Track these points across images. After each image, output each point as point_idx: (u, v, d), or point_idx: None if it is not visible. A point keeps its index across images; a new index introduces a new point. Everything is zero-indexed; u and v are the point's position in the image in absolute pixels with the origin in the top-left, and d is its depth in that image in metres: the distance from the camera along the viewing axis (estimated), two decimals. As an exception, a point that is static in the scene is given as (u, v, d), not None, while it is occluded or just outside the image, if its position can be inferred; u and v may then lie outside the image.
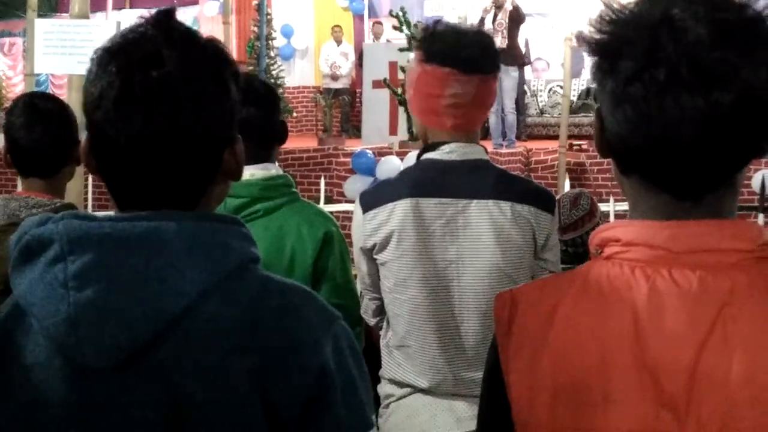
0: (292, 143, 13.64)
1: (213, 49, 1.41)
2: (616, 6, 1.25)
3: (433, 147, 2.60)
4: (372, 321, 2.82)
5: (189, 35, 1.39)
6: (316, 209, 2.88)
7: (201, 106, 1.35)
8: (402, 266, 2.56)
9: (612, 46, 1.23)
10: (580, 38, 1.27)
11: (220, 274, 1.33)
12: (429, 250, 2.53)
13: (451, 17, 14.32)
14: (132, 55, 1.34)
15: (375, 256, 2.63)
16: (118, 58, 1.34)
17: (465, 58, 2.52)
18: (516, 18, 12.56)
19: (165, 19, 1.37)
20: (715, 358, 1.17)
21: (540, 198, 2.58)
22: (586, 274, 1.29)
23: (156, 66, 1.32)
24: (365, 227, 2.61)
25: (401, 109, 11.02)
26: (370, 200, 2.63)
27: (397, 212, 2.54)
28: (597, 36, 1.25)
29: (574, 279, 1.31)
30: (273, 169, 2.75)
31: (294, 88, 17.23)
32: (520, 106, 14.13)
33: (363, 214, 2.62)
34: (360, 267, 2.72)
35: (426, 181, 2.57)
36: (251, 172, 2.67)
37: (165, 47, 1.34)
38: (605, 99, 1.25)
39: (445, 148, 2.57)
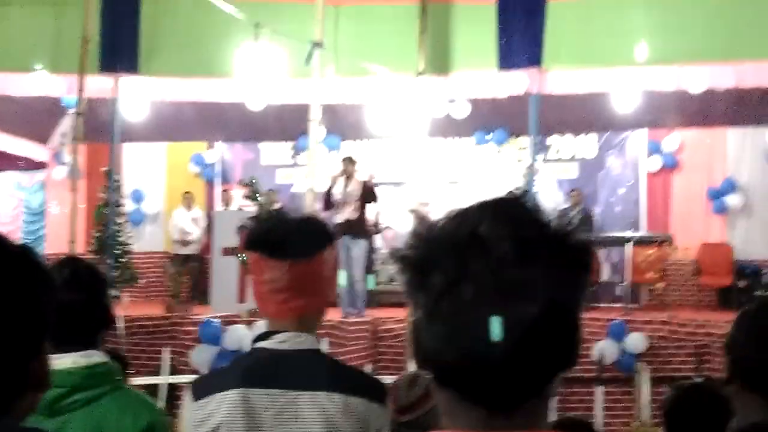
0: (138, 310, 13.41)
1: (17, 260, 1.36)
2: (427, 223, 1.27)
3: (266, 335, 2.57)
4: None
5: None
6: (141, 397, 2.77)
7: None
8: None
9: (422, 263, 1.25)
10: (394, 254, 1.29)
11: None
12: None
13: (302, 186, 14.53)
14: None
15: None
16: None
17: (272, 243, 2.53)
18: (368, 195, 12.77)
19: None
20: None
21: (372, 390, 2.55)
22: None
23: None
24: (194, 417, 2.53)
25: (250, 270, 10.95)
26: (200, 389, 2.56)
27: (225, 403, 2.47)
28: (409, 252, 1.26)
29: None
30: (96, 356, 2.63)
31: (143, 253, 16.99)
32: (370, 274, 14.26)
33: (192, 403, 2.54)
34: None
35: (256, 371, 2.52)
36: (73, 360, 2.56)
37: None
38: (419, 312, 1.26)
39: (278, 337, 2.54)
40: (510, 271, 1.19)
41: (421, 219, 1.29)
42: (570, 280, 1.23)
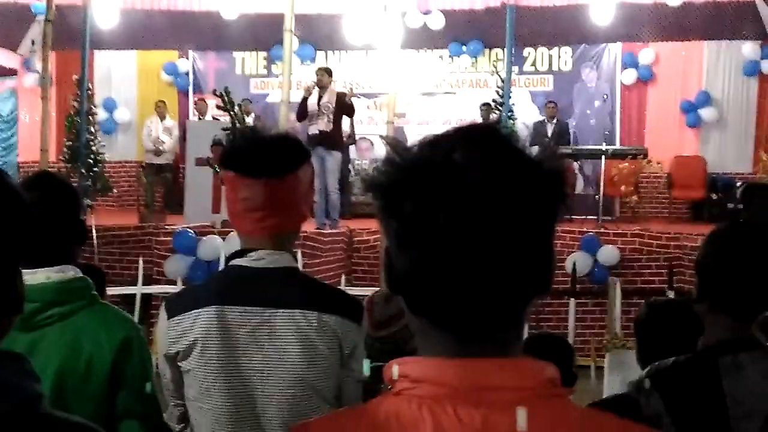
0: (112, 220, 13.40)
1: None
2: (400, 148, 1.26)
3: (242, 253, 2.57)
4: (176, 428, 2.72)
5: None
6: (116, 312, 2.77)
7: None
8: (206, 375, 2.48)
9: (395, 189, 1.24)
10: (366, 181, 1.28)
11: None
12: (233, 359, 2.47)
13: (276, 97, 14.43)
14: None
15: (179, 364, 2.54)
16: None
17: (247, 161, 2.53)
18: (344, 107, 12.58)
19: None
20: None
21: (347, 308, 2.56)
22: (375, 410, 1.28)
23: None
24: (169, 334, 2.54)
25: (224, 188, 10.92)
26: (175, 306, 2.57)
27: (201, 320, 2.48)
28: (382, 178, 1.25)
29: (363, 415, 1.30)
30: (70, 271, 2.62)
31: (116, 162, 16.89)
32: (345, 185, 14.26)
33: (167, 320, 2.56)
34: (163, 373, 2.63)
35: (232, 289, 2.52)
36: (47, 275, 2.55)
37: None
38: (391, 239, 1.25)
39: (253, 254, 2.54)
40: (483, 198, 1.18)
41: (394, 145, 1.27)
42: (544, 206, 1.23)
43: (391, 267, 1.28)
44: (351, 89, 13.38)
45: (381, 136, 11.38)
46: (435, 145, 1.25)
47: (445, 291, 1.21)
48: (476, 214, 1.18)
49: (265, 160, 2.52)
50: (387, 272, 1.29)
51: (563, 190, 1.25)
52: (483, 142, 1.24)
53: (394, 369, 1.28)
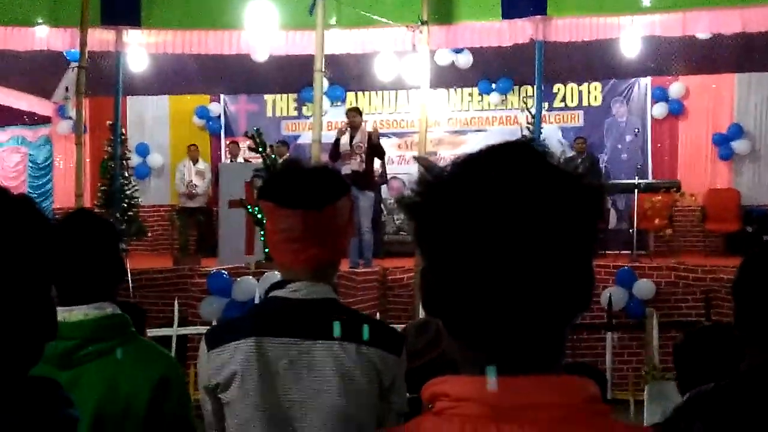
0: (146, 263, 13.45)
1: (18, 208, 1.35)
2: (433, 168, 1.24)
3: (280, 285, 2.56)
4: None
5: None
6: (155, 349, 2.76)
7: None
8: (245, 407, 2.48)
9: (430, 210, 1.21)
10: (401, 202, 1.25)
11: None
12: (272, 390, 2.46)
13: (307, 138, 14.51)
14: None
15: (219, 396, 2.54)
16: None
17: (286, 192, 2.54)
18: (375, 148, 12.65)
19: None
20: None
21: (387, 340, 2.55)
22: (415, 431, 1.25)
23: None
24: (209, 366, 2.54)
25: (258, 228, 10.97)
26: (215, 338, 2.57)
27: (240, 352, 2.48)
28: (416, 199, 1.23)
29: None
30: (109, 308, 2.63)
31: (149, 207, 17.00)
32: (378, 225, 14.26)
33: (207, 353, 2.56)
34: (204, 406, 2.63)
35: (271, 320, 2.52)
36: (84, 312, 2.56)
37: None
38: (427, 260, 1.23)
39: (292, 286, 2.54)
40: (520, 213, 1.15)
41: (427, 165, 1.24)
42: (582, 221, 1.20)
43: (427, 288, 1.25)
44: (376, 128, 13.44)
45: (414, 157, 11.36)
46: (469, 162, 1.22)
47: (484, 311, 1.18)
48: (513, 231, 1.15)
49: (304, 191, 2.52)
50: (423, 293, 1.27)
51: (601, 206, 1.22)
52: (519, 159, 1.20)
53: (434, 388, 1.26)
